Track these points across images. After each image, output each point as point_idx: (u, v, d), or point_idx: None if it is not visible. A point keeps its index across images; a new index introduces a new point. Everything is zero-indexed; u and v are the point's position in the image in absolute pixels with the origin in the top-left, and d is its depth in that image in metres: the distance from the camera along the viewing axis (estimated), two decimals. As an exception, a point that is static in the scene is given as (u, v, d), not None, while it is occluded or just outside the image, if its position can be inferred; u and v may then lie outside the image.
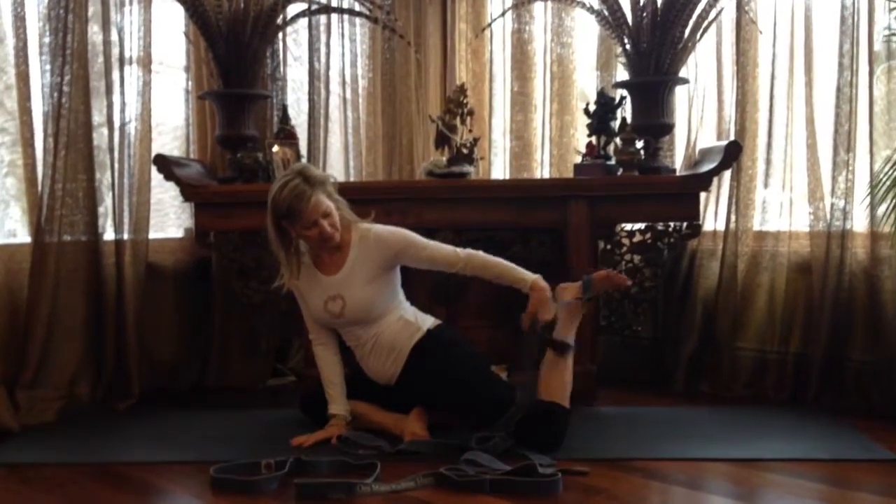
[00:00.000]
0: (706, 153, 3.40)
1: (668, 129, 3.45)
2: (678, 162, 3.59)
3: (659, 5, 3.29)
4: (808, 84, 3.24)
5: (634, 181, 3.27)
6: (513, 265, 2.79)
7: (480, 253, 2.81)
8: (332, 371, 2.88)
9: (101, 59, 3.30)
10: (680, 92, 3.52)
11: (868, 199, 2.98)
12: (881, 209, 2.88)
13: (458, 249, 2.81)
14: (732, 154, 3.21)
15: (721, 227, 3.45)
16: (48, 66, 3.14)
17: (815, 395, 3.19)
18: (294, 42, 3.85)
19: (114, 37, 3.34)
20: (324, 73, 3.84)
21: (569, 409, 2.67)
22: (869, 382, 3.10)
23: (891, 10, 2.98)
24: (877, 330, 3.07)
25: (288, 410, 3.10)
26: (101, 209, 3.31)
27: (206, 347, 3.69)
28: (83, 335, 3.27)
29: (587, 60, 3.89)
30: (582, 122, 3.60)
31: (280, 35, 3.70)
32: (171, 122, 3.71)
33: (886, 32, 3.05)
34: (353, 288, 2.78)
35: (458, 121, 3.39)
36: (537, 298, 2.73)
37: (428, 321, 2.88)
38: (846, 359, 3.16)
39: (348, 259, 2.79)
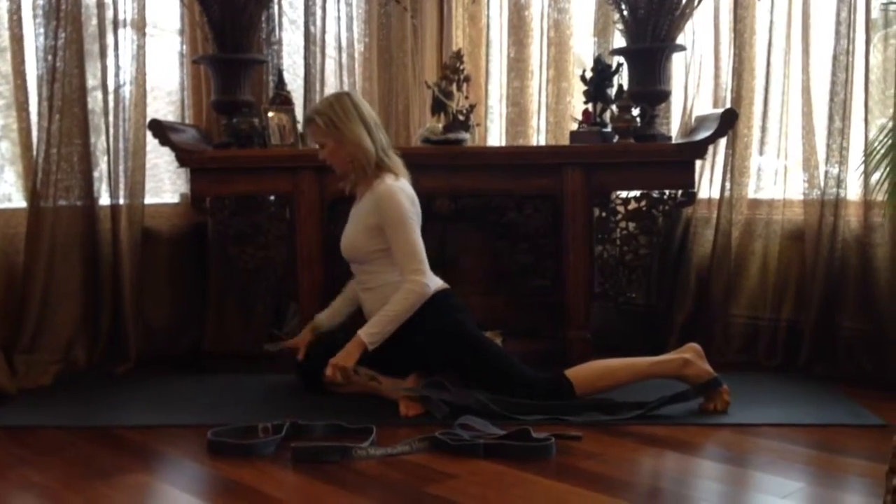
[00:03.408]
0: (702, 121, 3.40)
1: (665, 96, 3.44)
2: (674, 129, 3.58)
3: (657, -29, 3.27)
4: (805, 52, 3.23)
5: (630, 149, 3.27)
6: (383, 319, 2.74)
7: (404, 292, 2.74)
8: (341, 293, 3.09)
9: (94, 21, 3.28)
10: (677, 59, 3.51)
11: (862, 167, 2.99)
12: (874, 177, 2.88)
13: (411, 272, 2.76)
14: (729, 122, 3.21)
15: (716, 194, 3.46)
16: (42, 29, 3.13)
17: (806, 361, 3.21)
18: (289, 5, 3.81)
19: (107, -1, 3.32)
20: (319, 38, 3.81)
21: (575, 398, 2.70)
22: (860, 349, 3.13)
23: (889, -23, 2.96)
24: (868, 298, 3.09)
25: (284, 375, 3.12)
26: (95, 174, 3.31)
27: (202, 312, 3.70)
28: (80, 300, 3.28)
29: (584, 26, 3.87)
30: (578, 88, 3.59)
31: (275, -2, 3.67)
32: (165, 86, 3.69)
33: (884, 0, 3.03)
34: (353, 225, 2.90)
35: (454, 87, 3.37)
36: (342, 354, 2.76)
37: (435, 283, 2.87)
38: (837, 326, 3.18)
39: (363, 200, 2.89)
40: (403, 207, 2.80)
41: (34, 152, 3.13)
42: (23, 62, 3.08)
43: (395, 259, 2.80)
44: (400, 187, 2.84)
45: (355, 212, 2.93)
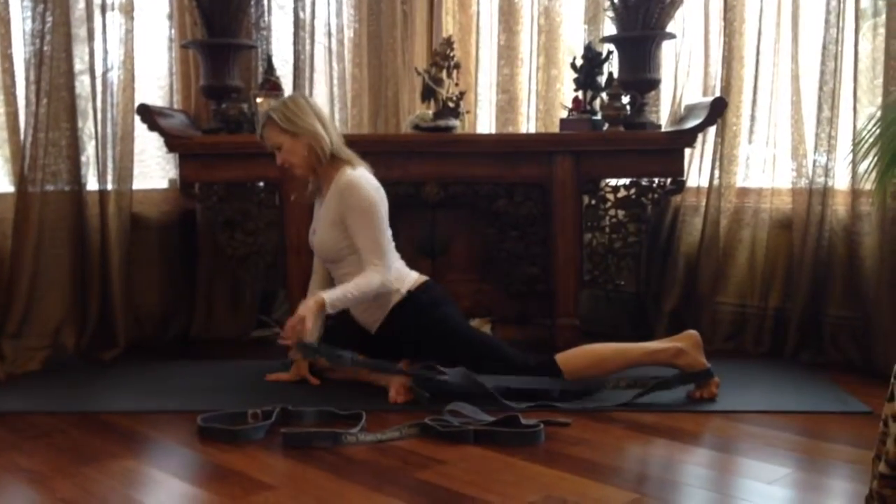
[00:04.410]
0: (692, 109, 3.41)
1: (655, 84, 3.45)
2: (664, 118, 3.59)
3: (648, -42, 3.27)
4: (795, 40, 3.24)
5: (620, 136, 3.28)
6: (346, 293, 2.72)
7: (366, 278, 2.73)
8: (312, 279, 3.05)
9: (82, 4, 3.25)
10: (667, 47, 3.51)
11: (850, 157, 3.01)
12: (863, 166, 2.90)
13: (372, 264, 2.74)
14: (718, 110, 3.23)
15: (705, 183, 3.47)
16: (29, 13, 3.10)
17: (793, 349, 3.24)
18: (279, -11, 3.80)
19: (94, -18, 3.29)
20: (309, 23, 3.80)
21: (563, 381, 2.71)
22: (846, 338, 3.15)
23: (879, -34, 2.97)
24: (855, 286, 3.11)
25: (273, 361, 3.12)
26: (83, 158, 3.28)
27: (190, 299, 3.69)
28: (68, 285, 3.27)
29: (575, 14, 3.87)
30: (568, 76, 3.59)
31: (264, -18, 3.65)
32: (154, 71, 3.66)
33: (873, -11, 3.05)
34: (322, 225, 2.86)
35: (444, 74, 3.37)
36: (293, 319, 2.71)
37: (409, 280, 2.86)
38: (824, 314, 3.21)
39: (327, 196, 2.85)
40: (368, 198, 2.77)
41: (21, 137, 3.11)
42: (10, 46, 3.05)
43: (359, 250, 2.78)
44: (361, 175, 2.82)
45: (323, 211, 2.88)
